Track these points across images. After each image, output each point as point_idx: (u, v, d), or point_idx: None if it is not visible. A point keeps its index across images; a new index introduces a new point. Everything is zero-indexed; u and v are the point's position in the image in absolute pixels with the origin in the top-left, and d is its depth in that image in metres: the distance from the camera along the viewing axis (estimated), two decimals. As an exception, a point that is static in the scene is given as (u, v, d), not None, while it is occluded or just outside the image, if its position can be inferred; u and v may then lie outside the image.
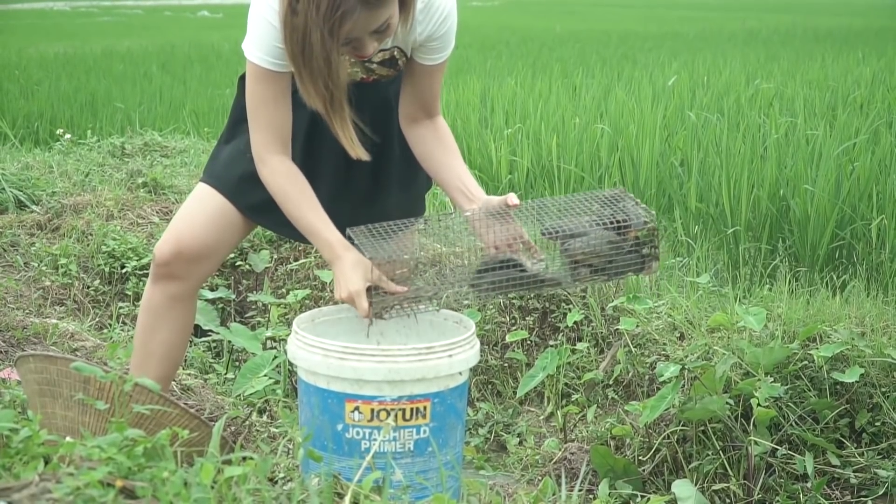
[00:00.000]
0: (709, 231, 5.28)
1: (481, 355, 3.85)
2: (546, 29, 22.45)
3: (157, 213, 4.97)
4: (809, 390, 3.15)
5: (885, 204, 4.87)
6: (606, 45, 16.76)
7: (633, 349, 3.58)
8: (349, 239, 2.51)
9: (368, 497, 1.89)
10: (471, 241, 2.57)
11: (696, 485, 3.02)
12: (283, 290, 4.47)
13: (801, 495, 2.99)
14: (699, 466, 3.09)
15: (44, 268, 4.40)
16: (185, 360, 3.87)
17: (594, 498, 3.04)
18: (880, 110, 7.28)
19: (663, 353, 3.50)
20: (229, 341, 4.00)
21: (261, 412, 3.45)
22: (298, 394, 2.53)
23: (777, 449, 3.05)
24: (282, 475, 2.51)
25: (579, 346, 3.73)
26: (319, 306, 3.93)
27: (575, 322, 3.84)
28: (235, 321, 4.37)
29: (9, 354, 3.51)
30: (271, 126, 2.57)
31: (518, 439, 3.58)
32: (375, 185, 2.82)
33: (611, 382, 3.64)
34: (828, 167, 5.05)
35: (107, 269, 4.49)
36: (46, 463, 1.78)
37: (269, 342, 3.98)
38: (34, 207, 4.92)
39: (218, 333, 4.11)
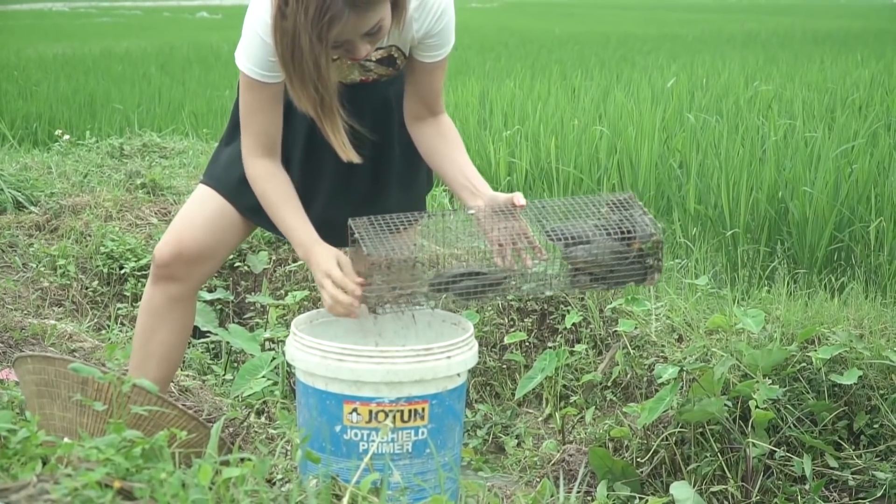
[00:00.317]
0: (707, 233, 5.28)
1: (480, 357, 3.85)
2: (545, 31, 22.45)
3: (155, 214, 4.97)
4: (808, 392, 3.15)
5: (883, 206, 4.87)
6: (605, 46, 16.77)
7: (631, 351, 3.58)
8: (350, 230, 2.50)
9: (366, 498, 1.89)
10: (470, 242, 2.57)
11: (694, 486, 3.02)
12: (282, 291, 4.47)
13: (799, 497, 2.99)
14: (697, 468, 3.09)
15: (42, 269, 4.40)
16: (184, 362, 3.87)
17: (592, 500, 3.04)
18: (879, 112, 7.29)
19: (662, 354, 3.50)
20: (227, 342, 4.00)
21: (259, 413, 3.45)
22: (297, 395, 2.53)
23: (775, 451, 3.05)
24: (280, 476, 2.51)
25: (578, 347, 3.73)
26: (318, 308, 3.94)
27: (573, 324, 3.84)
28: (234, 322, 4.37)
29: (7, 355, 3.51)
30: (259, 133, 2.60)
31: (516, 441, 3.58)
32: (375, 185, 2.82)
33: (609, 384, 3.64)
34: (826, 169, 5.05)
35: (105, 270, 4.49)
36: (44, 464, 1.78)
37: (267, 343, 3.98)
38: (33, 208, 4.92)
39: (216, 335, 4.11)
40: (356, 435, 2.36)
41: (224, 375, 3.89)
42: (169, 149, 6.48)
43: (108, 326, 4.17)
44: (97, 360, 3.52)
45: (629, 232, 2.48)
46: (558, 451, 3.36)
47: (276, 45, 2.36)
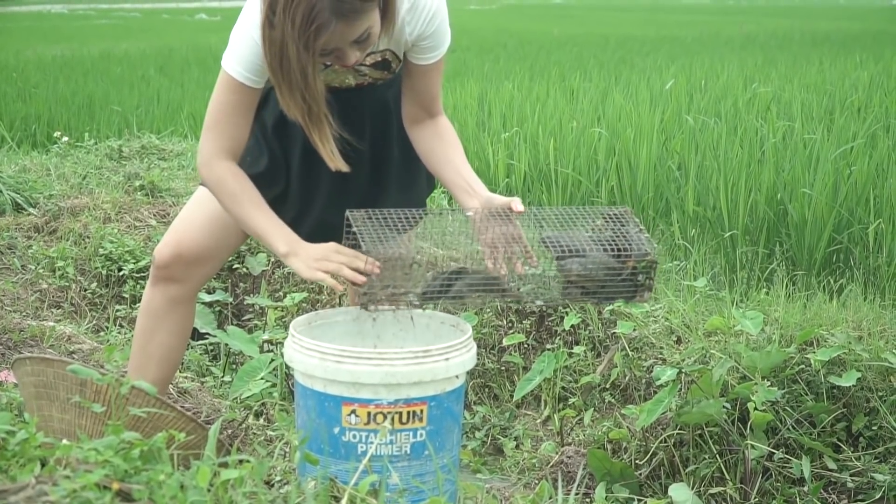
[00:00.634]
0: (706, 235, 5.28)
1: (478, 358, 3.85)
2: (544, 32, 22.46)
3: (154, 215, 4.97)
4: (806, 394, 3.15)
5: (882, 208, 4.87)
6: (604, 48, 16.77)
7: (630, 353, 3.58)
8: (347, 222, 2.50)
9: (365, 500, 1.89)
10: (467, 244, 2.57)
11: (692, 488, 3.02)
12: (280, 293, 4.47)
13: (797, 499, 2.99)
14: (696, 470, 3.09)
15: (41, 270, 4.40)
16: (182, 363, 3.87)
17: (591, 501, 3.04)
18: (878, 114, 7.29)
19: (660, 356, 3.50)
20: (226, 344, 4.00)
21: (257, 415, 3.45)
22: (295, 397, 2.53)
23: (774, 453, 3.05)
24: (278, 478, 2.51)
25: (576, 349, 3.73)
26: (316, 309, 3.93)
27: (572, 325, 3.84)
28: (232, 324, 4.37)
29: (6, 357, 3.51)
30: (228, 135, 2.58)
31: (515, 443, 3.58)
32: (374, 188, 2.82)
33: (608, 386, 3.64)
34: (825, 171, 5.05)
35: (104, 272, 4.49)
36: (43, 465, 1.78)
37: (265, 345, 3.98)
38: (31, 210, 4.91)
39: (215, 336, 4.11)
40: (355, 436, 2.36)
41: (222, 377, 3.89)
42: (168, 150, 6.48)
43: (107, 328, 4.17)
44: (96, 361, 3.51)
45: (625, 249, 2.48)
46: (557, 453, 3.36)
47: (265, 54, 2.36)
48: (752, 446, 2.99)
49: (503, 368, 3.97)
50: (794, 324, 3.38)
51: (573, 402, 3.61)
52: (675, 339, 3.56)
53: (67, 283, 4.39)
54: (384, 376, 2.33)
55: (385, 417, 2.35)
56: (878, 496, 2.95)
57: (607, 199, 5.79)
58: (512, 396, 3.84)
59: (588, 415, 3.47)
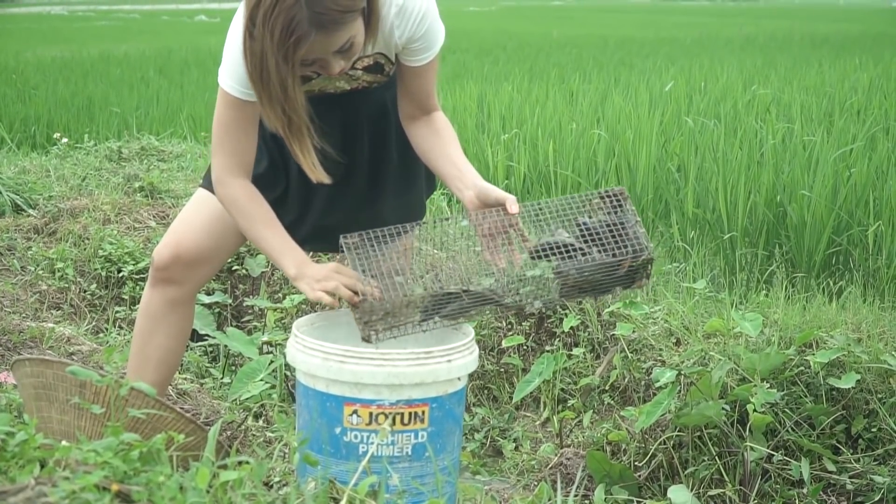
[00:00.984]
0: (705, 237, 5.28)
1: (478, 360, 3.85)
2: (543, 34, 22.47)
3: (153, 217, 4.97)
4: (805, 396, 3.15)
5: (881, 210, 4.87)
6: (603, 50, 16.78)
7: (629, 354, 3.58)
8: (341, 248, 2.50)
9: (364, 502, 1.89)
10: (465, 257, 2.57)
11: (691, 490, 3.02)
12: (280, 294, 4.47)
13: (797, 501, 2.99)
14: (695, 472, 3.09)
15: (40, 272, 4.40)
16: (182, 365, 3.87)
17: (590, 503, 3.04)
18: (877, 116, 7.29)
19: (659, 358, 3.50)
20: (225, 346, 4.00)
21: (257, 416, 3.45)
22: (296, 397, 2.53)
23: (773, 455, 3.05)
24: (277, 479, 2.52)
25: (575, 351, 3.73)
26: (315, 311, 3.94)
27: (571, 327, 3.84)
28: (232, 326, 4.37)
29: (5, 358, 3.51)
30: (236, 152, 2.58)
31: (514, 444, 3.58)
32: (372, 190, 2.82)
33: (607, 388, 3.64)
34: (825, 173, 5.05)
35: (103, 274, 4.49)
36: (42, 467, 1.78)
37: (265, 347, 3.98)
38: (31, 211, 4.92)
39: (214, 338, 4.11)
40: (356, 437, 2.36)
41: (222, 379, 3.89)
42: (167, 152, 6.48)
43: (107, 330, 4.17)
44: (95, 363, 3.52)
45: (623, 246, 2.48)
46: (556, 455, 3.36)
47: (246, 66, 2.35)
48: (752, 448, 2.99)
49: (502, 370, 3.97)
50: (794, 326, 3.38)
51: (572, 404, 3.61)
52: (674, 340, 3.56)
53: (67, 285, 4.39)
54: (387, 377, 2.33)
55: (387, 418, 2.35)
56: (877, 498, 2.95)
57: (607, 201, 5.78)
58: (511, 398, 3.84)
59: (587, 416, 3.47)
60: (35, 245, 4.59)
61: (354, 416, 2.36)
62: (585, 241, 2.50)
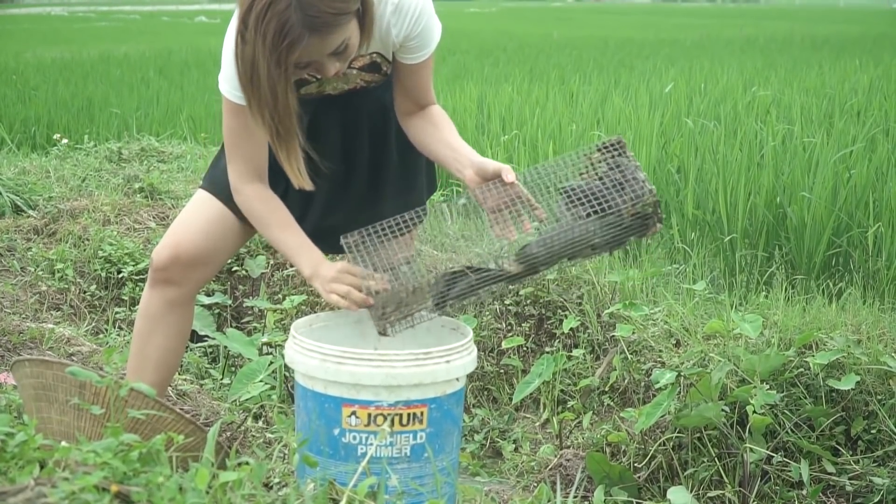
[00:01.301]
0: (705, 238, 5.28)
1: (477, 361, 3.85)
2: (543, 35, 22.47)
3: (153, 218, 4.98)
4: (805, 397, 3.15)
5: (881, 211, 4.87)
6: (603, 51, 16.78)
7: (629, 356, 3.58)
8: (341, 248, 2.50)
9: (363, 503, 1.89)
10: (467, 242, 2.56)
11: (691, 492, 3.02)
12: (280, 295, 4.47)
13: (796, 502, 2.99)
14: (695, 473, 3.09)
15: (40, 272, 4.40)
16: (181, 366, 3.87)
17: (590, 504, 3.04)
18: (877, 118, 7.29)
19: (659, 359, 3.50)
20: (225, 347, 4.00)
21: (256, 417, 3.45)
22: (295, 398, 2.53)
23: (772, 456, 3.05)
24: (277, 480, 2.52)
25: (575, 352, 3.73)
26: (315, 312, 3.94)
27: (571, 328, 3.84)
28: (231, 326, 4.37)
29: (5, 359, 3.51)
30: (246, 158, 2.59)
31: (514, 445, 3.58)
32: (373, 191, 2.82)
33: (607, 389, 3.64)
34: (825, 174, 5.05)
35: (103, 274, 4.49)
36: (42, 467, 1.78)
37: (265, 348, 3.98)
38: (31, 212, 4.92)
39: (214, 339, 4.11)
40: (354, 438, 2.36)
41: (221, 379, 3.89)
42: (167, 153, 6.48)
43: (106, 330, 4.17)
44: (95, 363, 3.52)
45: (621, 195, 2.43)
46: (555, 456, 3.36)
47: (237, 70, 2.34)
48: (751, 449, 2.99)
49: (502, 371, 3.97)
50: (793, 327, 3.38)
51: (572, 405, 3.61)
52: (674, 342, 3.56)
53: (67, 286, 4.39)
54: (385, 378, 2.33)
55: (385, 419, 2.35)
56: (876, 500, 2.95)
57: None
58: (511, 399, 3.84)
59: (587, 418, 3.47)
60: (35, 246, 4.59)
61: (353, 417, 2.36)
62: (581, 204, 2.46)
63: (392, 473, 2.36)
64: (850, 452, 3.10)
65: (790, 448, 3.10)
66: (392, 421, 2.36)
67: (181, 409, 3.28)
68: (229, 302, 4.51)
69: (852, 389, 3.12)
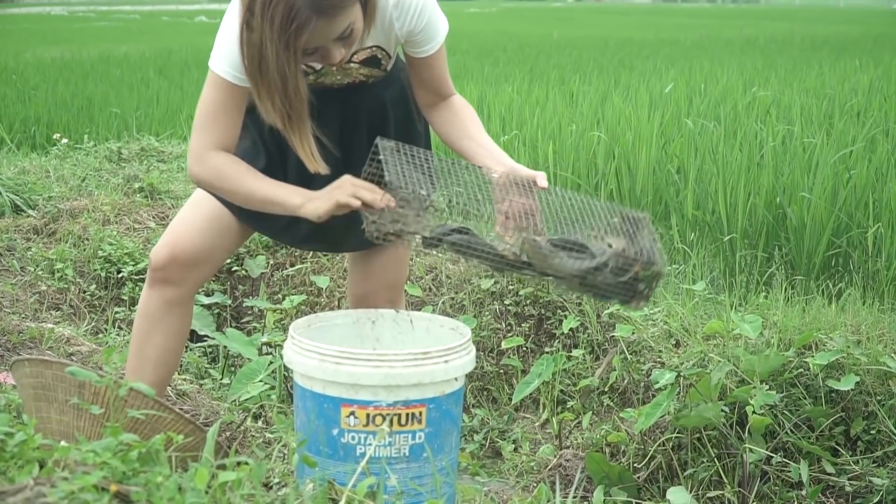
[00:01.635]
0: (705, 238, 5.28)
1: (477, 361, 3.85)
2: (543, 35, 22.47)
3: (153, 217, 4.98)
4: (805, 398, 3.15)
5: (881, 212, 4.87)
6: (603, 52, 16.77)
7: (628, 356, 3.58)
8: (374, 149, 2.48)
9: (363, 503, 1.89)
10: (479, 206, 2.55)
11: (691, 492, 3.02)
12: (279, 295, 4.47)
13: (795, 503, 2.99)
14: (694, 473, 3.09)
15: (40, 272, 4.40)
16: (181, 365, 3.87)
17: (589, 504, 3.04)
18: (877, 118, 7.29)
19: (659, 360, 3.50)
20: (225, 346, 4.00)
21: (256, 417, 3.45)
22: (294, 398, 2.53)
23: (772, 456, 3.05)
24: (276, 480, 2.52)
25: (575, 352, 3.73)
26: (315, 312, 3.93)
27: (571, 329, 3.84)
28: (231, 326, 4.37)
29: (4, 358, 3.51)
30: (221, 131, 2.56)
31: (513, 446, 3.58)
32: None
33: (606, 389, 3.64)
34: (824, 175, 5.05)
35: (103, 274, 4.49)
36: (41, 467, 1.78)
37: (264, 347, 3.98)
38: (31, 212, 4.92)
39: (213, 339, 4.11)
40: (353, 438, 2.36)
41: (221, 379, 3.89)
42: (167, 153, 6.48)
43: (106, 330, 4.17)
44: (94, 363, 3.52)
45: (635, 254, 2.43)
46: (555, 457, 3.36)
47: (243, 58, 2.35)
48: (751, 450, 2.99)
49: (502, 371, 3.97)
50: (793, 328, 3.38)
51: (572, 406, 3.61)
52: (673, 342, 3.56)
53: (66, 285, 4.39)
54: (383, 378, 2.33)
55: (384, 419, 2.35)
56: (876, 500, 2.95)
57: (606, 203, 5.78)
58: (510, 399, 3.84)
59: (586, 418, 3.47)
60: (35, 246, 4.59)
61: (352, 417, 2.36)
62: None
63: (391, 473, 2.36)
64: (850, 453, 3.10)
65: (790, 448, 3.10)
66: (391, 421, 2.36)
67: (181, 408, 3.28)
68: (229, 302, 4.51)
69: (852, 390, 3.12)
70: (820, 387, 3.14)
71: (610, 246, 2.41)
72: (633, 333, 3.61)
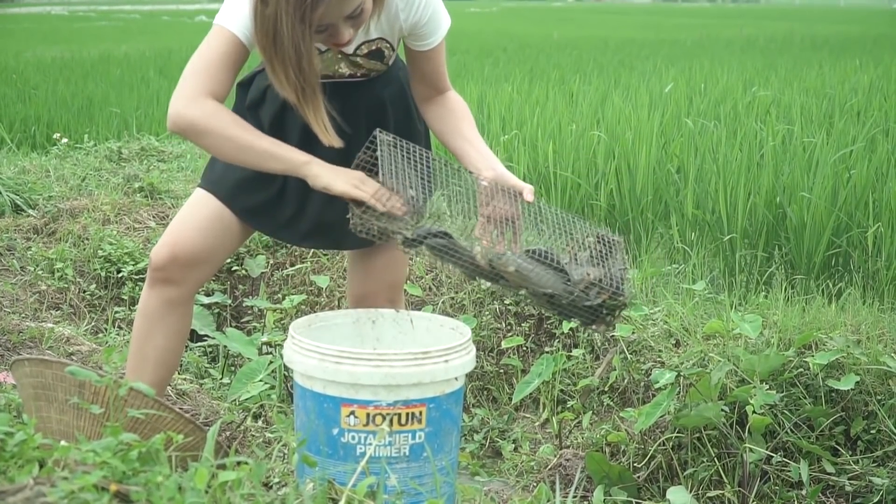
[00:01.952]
0: (705, 238, 5.28)
1: (477, 361, 3.85)
2: (543, 35, 22.47)
3: (153, 217, 4.98)
4: (805, 398, 3.15)
5: (881, 212, 4.87)
6: (603, 51, 16.78)
7: (628, 356, 3.58)
8: (371, 140, 2.49)
9: (363, 502, 1.89)
10: (464, 213, 2.57)
11: (690, 492, 3.02)
12: (279, 295, 4.48)
13: (796, 502, 2.99)
14: (694, 473, 3.09)
15: (40, 272, 4.40)
16: (181, 365, 3.87)
17: (589, 504, 3.04)
18: (877, 118, 7.29)
19: (659, 359, 3.50)
20: (225, 346, 4.00)
21: (256, 417, 3.45)
22: (294, 398, 2.53)
23: (772, 456, 3.05)
24: (276, 480, 2.52)
25: (575, 352, 3.73)
26: (315, 312, 3.94)
27: (570, 328, 3.84)
28: (231, 326, 4.37)
29: (4, 358, 3.51)
30: (216, 85, 2.50)
31: (513, 445, 3.58)
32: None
33: (606, 389, 3.64)
34: (824, 175, 5.05)
35: (103, 274, 4.49)
36: (41, 467, 1.78)
37: (264, 347, 3.98)
38: (31, 211, 4.92)
39: (214, 338, 4.11)
40: (353, 438, 2.36)
41: (221, 379, 3.89)
42: (167, 152, 6.48)
43: (106, 330, 4.17)
44: (94, 363, 3.52)
45: (605, 279, 2.47)
46: (555, 456, 3.36)
47: (257, 33, 2.37)
48: (751, 450, 2.99)
49: (502, 371, 3.97)
50: (793, 327, 3.38)
51: (572, 405, 3.61)
52: (673, 342, 3.56)
53: (66, 285, 4.39)
54: (384, 377, 2.33)
55: (384, 419, 2.35)
56: (876, 500, 2.95)
57: (606, 203, 5.78)
58: (510, 399, 3.84)
59: (586, 418, 3.47)
60: (35, 245, 4.59)
61: (352, 417, 2.36)
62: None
63: (391, 473, 2.36)
64: (850, 452, 3.10)
65: (790, 448, 3.10)
66: (391, 420, 2.36)
67: (181, 408, 3.28)
68: (229, 301, 4.51)
69: (852, 390, 3.12)
70: (820, 386, 3.14)
71: (588, 274, 2.45)
72: (633, 333, 3.61)
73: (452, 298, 4.21)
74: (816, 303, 3.75)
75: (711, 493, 3.04)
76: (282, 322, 4.13)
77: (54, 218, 4.86)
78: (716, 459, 3.08)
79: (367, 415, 2.35)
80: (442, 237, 2.46)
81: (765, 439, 3.05)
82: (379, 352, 2.36)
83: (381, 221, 2.44)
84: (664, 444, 3.17)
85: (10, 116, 9.10)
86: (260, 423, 3.39)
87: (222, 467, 1.78)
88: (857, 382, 3.11)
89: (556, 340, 3.93)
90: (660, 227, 5.53)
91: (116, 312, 4.33)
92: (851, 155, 5.69)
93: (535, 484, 3.25)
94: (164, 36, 22.13)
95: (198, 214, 2.75)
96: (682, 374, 3.20)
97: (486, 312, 4.08)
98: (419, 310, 3.60)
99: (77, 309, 4.33)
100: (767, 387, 3.05)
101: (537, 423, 3.73)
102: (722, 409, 3.03)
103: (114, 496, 1.60)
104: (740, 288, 4.53)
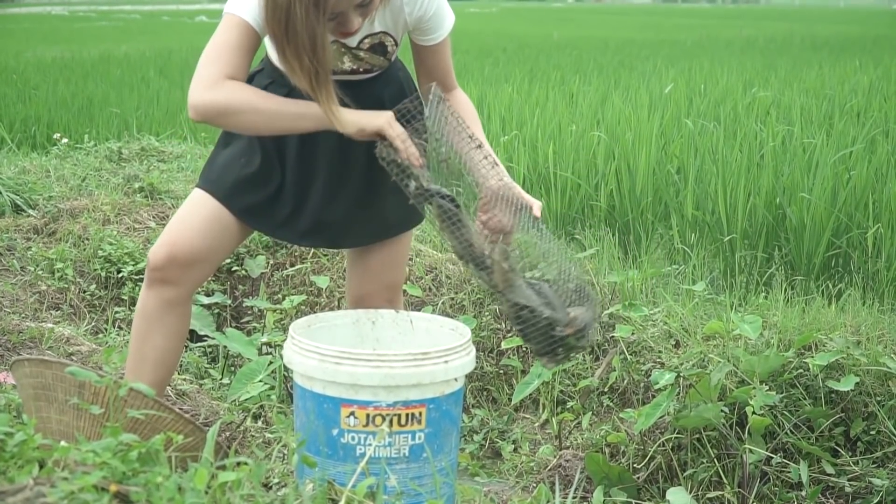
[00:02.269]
0: (705, 239, 5.28)
1: (477, 362, 3.85)
2: (543, 36, 22.48)
3: (153, 217, 4.98)
4: (804, 398, 3.15)
5: (881, 212, 4.87)
6: (603, 52, 16.78)
7: (628, 356, 3.58)
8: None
9: (362, 503, 1.89)
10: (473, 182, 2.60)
11: (690, 492, 3.02)
12: (279, 295, 4.48)
13: (795, 503, 2.99)
14: (694, 474, 3.09)
15: (40, 272, 4.40)
16: (181, 366, 3.87)
17: (589, 505, 3.04)
18: (877, 119, 7.29)
19: (659, 360, 3.50)
20: (225, 346, 4.00)
21: (256, 417, 3.45)
22: (294, 399, 2.53)
23: (772, 457, 3.05)
24: (276, 480, 2.52)
25: (575, 352, 3.72)
26: (315, 312, 3.93)
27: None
28: (231, 326, 4.37)
29: (4, 358, 3.51)
30: (232, 69, 2.52)
31: (513, 446, 3.58)
32: (371, 187, 2.82)
33: (606, 390, 3.64)
34: (824, 175, 5.05)
35: (103, 274, 4.49)
36: (41, 467, 1.78)
37: (264, 348, 3.98)
38: (31, 211, 4.92)
39: (213, 339, 4.11)
40: (353, 438, 2.36)
41: (221, 379, 3.89)
42: (167, 153, 6.48)
43: (106, 330, 4.17)
44: (94, 363, 3.52)
45: (579, 324, 2.49)
46: (555, 457, 3.36)
47: (268, 21, 2.38)
48: (750, 450, 2.99)
49: (501, 372, 3.97)
50: (793, 328, 3.38)
51: (571, 406, 3.61)
52: (673, 342, 3.56)
53: (66, 285, 4.39)
54: (383, 378, 2.33)
55: (384, 419, 2.35)
56: (875, 501, 2.95)
57: (606, 203, 5.78)
58: (510, 400, 3.84)
59: (586, 418, 3.47)
60: (35, 245, 4.59)
61: (351, 417, 2.36)
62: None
63: (391, 474, 2.36)
64: (850, 453, 3.10)
65: (789, 449, 3.10)
66: (391, 421, 2.36)
67: (180, 408, 3.28)
68: (229, 302, 4.51)
69: (851, 390, 3.12)
70: (820, 387, 3.14)
71: (568, 312, 2.48)
72: (632, 334, 3.61)
73: (452, 299, 4.21)
74: (816, 304, 3.75)
75: (711, 494, 3.04)
76: (282, 322, 4.13)
77: (54, 218, 4.86)
78: (715, 460, 3.08)
79: (367, 415, 2.35)
80: (451, 203, 2.48)
81: (764, 440, 3.05)
82: (379, 352, 2.36)
83: (402, 161, 2.49)
84: (664, 445, 3.17)
85: (11, 116, 9.10)
86: (260, 423, 3.39)
87: (222, 468, 1.78)
88: (857, 383, 3.11)
89: (556, 341, 3.92)
90: (660, 227, 5.53)
91: (116, 313, 4.33)
92: (851, 156, 5.69)
93: (534, 485, 3.25)
94: (164, 36, 22.14)
95: (196, 214, 2.75)
96: (681, 374, 3.20)
97: (486, 313, 4.08)
98: (419, 310, 3.60)
99: (77, 309, 4.33)
100: (767, 388, 3.05)
101: (537, 424, 3.73)
102: (722, 410, 3.03)
103: (114, 496, 1.60)
104: (740, 289, 4.53)
